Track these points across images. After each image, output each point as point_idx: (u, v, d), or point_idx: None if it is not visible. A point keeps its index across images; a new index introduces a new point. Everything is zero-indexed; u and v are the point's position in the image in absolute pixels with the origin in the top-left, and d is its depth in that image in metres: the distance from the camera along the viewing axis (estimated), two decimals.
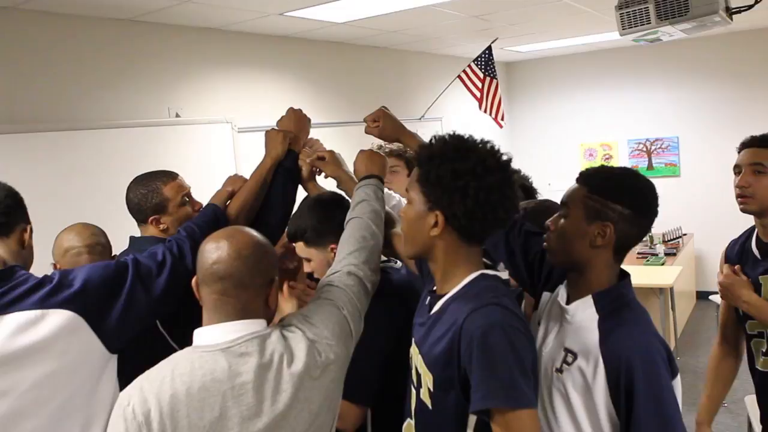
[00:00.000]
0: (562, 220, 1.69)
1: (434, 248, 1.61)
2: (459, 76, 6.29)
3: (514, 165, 1.69)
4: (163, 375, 1.43)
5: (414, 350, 1.70)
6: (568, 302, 1.72)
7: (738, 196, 2.31)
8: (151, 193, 2.33)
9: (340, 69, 5.81)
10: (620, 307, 1.66)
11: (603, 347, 1.58)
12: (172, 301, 1.93)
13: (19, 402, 1.64)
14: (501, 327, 1.45)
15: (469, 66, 6.25)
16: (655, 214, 1.68)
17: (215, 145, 4.39)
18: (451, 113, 7.12)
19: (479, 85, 6.24)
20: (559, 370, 1.65)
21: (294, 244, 2.18)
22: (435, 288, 1.71)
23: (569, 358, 1.64)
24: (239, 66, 4.82)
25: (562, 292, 1.79)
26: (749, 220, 2.38)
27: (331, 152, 2.33)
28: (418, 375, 1.66)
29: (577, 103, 8.21)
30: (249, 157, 4.58)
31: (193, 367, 1.42)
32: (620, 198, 1.63)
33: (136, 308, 1.81)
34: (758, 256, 2.32)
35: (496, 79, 6.27)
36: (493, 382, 1.43)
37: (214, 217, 2.13)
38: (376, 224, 1.92)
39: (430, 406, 1.61)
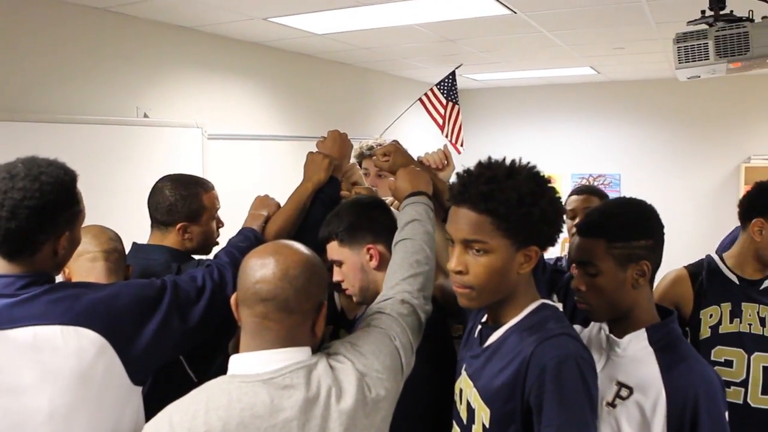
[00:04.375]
0: (594, 278, 1.66)
1: (517, 285, 1.52)
2: (420, 99, 6.26)
3: None
4: (196, 408, 1.24)
5: (466, 384, 1.58)
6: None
7: None
8: (190, 197, 2.15)
9: (306, 82, 5.66)
10: (674, 341, 1.65)
11: (666, 381, 1.55)
12: (205, 333, 1.73)
13: None
14: (575, 359, 1.39)
15: (431, 90, 6.23)
16: (663, 226, 1.72)
17: (184, 149, 4.14)
18: (407, 135, 7.06)
19: (441, 110, 6.21)
20: (612, 405, 1.60)
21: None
22: (485, 319, 1.62)
23: (623, 393, 1.60)
24: (212, 70, 4.59)
25: (603, 325, 1.76)
26: (686, 257, 2.49)
27: (395, 143, 2.14)
28: (470, 410, 1.55)
29: (526, 134, 8.32)
30: (217, 165, 4.37)
31: (230, 400, 1.24)
32: (641, 234, 1.65)
33: (168, 337, 1.61)
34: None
35: (458, 104, 6.27)
36: (567, 417, 1.37)
37: (256, 243, 1.91)
38: (429, 247, 1.75)
39: None
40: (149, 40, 4.07)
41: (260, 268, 1.31)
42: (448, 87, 6.18)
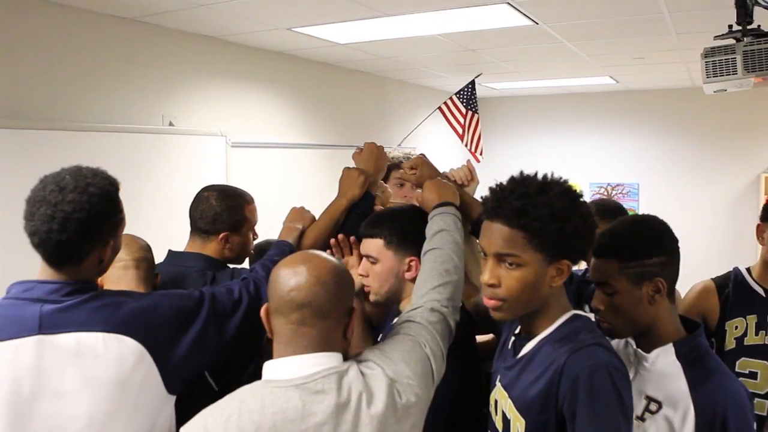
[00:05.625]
0: (612, 298, 1.68)
1: (549, 297, 1.54)
2: (440, 108, 6.29)
3: None
4: (230, 412, 1.27)
5: (501, 395, 1.60)
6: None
7: None
8: (235, 208, 2.23)
9: (328, 91, 5.71)
10: (702, 356, 1.66)
11: (694, 396, 1.56)
12: (239, 344, 1.76)
13: None
14: (607, 368, 1.40)
15: (451, 99, 6.26)
16: (677, 240, 1.72)
17: (208, 157, 4.19)
18: (427, 144, 7.10)
19: (460, 119, 6.24)
20: (641, 418, 1.62)
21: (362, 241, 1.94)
22: (519, 330, 1.64)
23: (653, 407, 1.62)
24: (236, 79, 4.65)
25: (629, 339, 1.77)
26: (705, 267, 2.47)
27: (422, 156, 2.15)
28: (506, 421, 1.56)
29: (544, 143, 8.34)
30: (241, 173, 4.42)
31: (263, 404, 1.27)
32: (653, 252, 1.66)
33: (205, 348, 1.65)
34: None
35: (478, 113, 6.29)
36: (599, 426, 1.37)
37: None
38: (458, 257, 1.77)
39: None
40: (175, 50, 4.13)
41: (293, 276, 1.35)
42: (468, 96, 6.21)
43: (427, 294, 1.67)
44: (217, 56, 4.47)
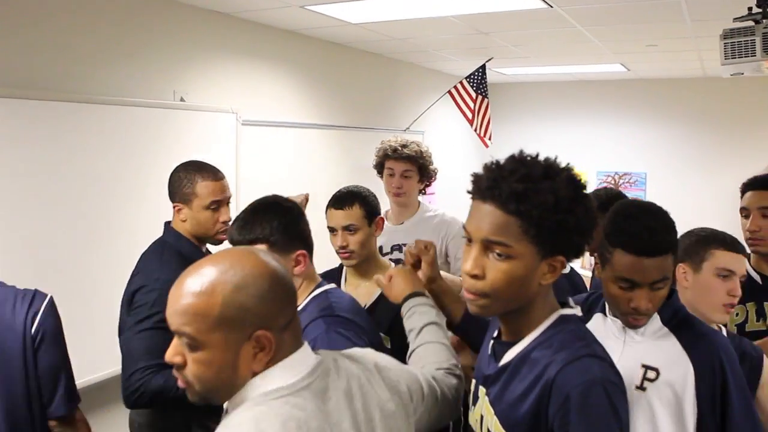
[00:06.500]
0: (661, 291, 1.66)
1: (536, 296, 1.37)
2: (449, 92, 6.27)
3: None
4: None
5: (487, 410, 1.44)
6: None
7: (748, 239, 2.48)
8: (185, 181, 2.40)
9: (338, 72, 5.69)
10: (685, 319, 1.74)
11: (691, 356, 1.64)
12: None
13: None
14: (601, 385, 1.27)
15: (461, 83, 6.23)
16: None
17: (218, 134, 4.19)
18: (434, 128, 7.09)
19: (470, 104, 6.22)
20: (641, 388, 1.66)
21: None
22: (497, 333, 1.50)
23: (650, 375, 1.66)
24: (248, 57, 4.64)
25: (608, 314, 1.81)
26: None
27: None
28: None
29: (552, 130, 8.30)
30: (250, 150, 4.42)
31: (283, 421, 1.14)
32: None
33: None
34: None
35: (488, 98, 6.27)
36: None
37: None
38: (454, 356, 1.76)
39: None
40: (188, 26, 4.12)
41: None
42: (478, 80, 6.18)
43: (425, 367, 1.66)
44: (230, 33, 4.45)
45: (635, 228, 1.62)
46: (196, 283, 1.17)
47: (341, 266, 2.54)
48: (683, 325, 1.70)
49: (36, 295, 1.85)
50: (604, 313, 1.81)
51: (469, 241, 1.36)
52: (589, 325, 1.72)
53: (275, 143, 4.86)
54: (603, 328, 1.78)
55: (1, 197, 2.94)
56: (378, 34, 5.14)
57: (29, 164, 3.06)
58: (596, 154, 8.06)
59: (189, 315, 1.16)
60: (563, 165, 1.36)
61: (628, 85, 7.82)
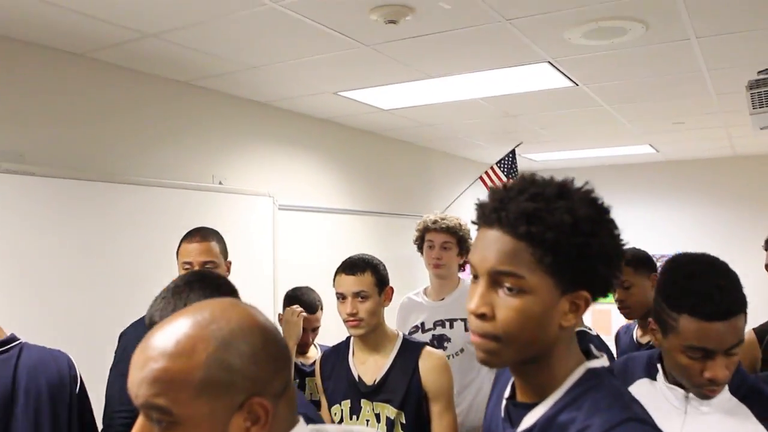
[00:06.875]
0: (734, 356, 1.50)
1: (557, 342, 1.12)
2: (481, 177, 6.36)
3: None
4: None
5: None
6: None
7: None
8: (179, 243, 2.57)
9: (371, 158, 5.86)
10: (753, 386, 1.58)
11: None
12: None
13: None
14: None
15: (492, 168, 6.33)
16: None
17: (256, 217, 4.29)
18: (466, 214, 7.13)
19: None
20: None
21: None
22: (511, 390, 1.24)
23: None
24: (283, 143, 4.82)
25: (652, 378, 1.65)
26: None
27: None
28: None
29: None
30: (287, 234, 4.50)
31: None
32: None
33: None
34: None
35: None
36: None
37: None
38: None
39: None
40: (226, 113, 4.31)
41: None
42: (509, 165, 6.27)
43: None
44: (267, 121, 4.64)
45: (703, 288, 1.44)
46: (169, 342, 0.92)
47: (348, 339, 2.47)
48: (753, 394, 1.51)
49: (68, 357, 1.91)
50: (652, 377, 1.64)
51: (475, 277, 1.14)
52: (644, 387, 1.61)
53: (310, 227, 4.96)
54: (653, 395, 1.59)
55: (44, 275, 3.03)
56: (409, 120, 5.30)
57: (74, 243, 3.17)
58: (628, 238, 7.97)
59: (161, 383, 0.90)
60: (581, 185, 1.16)
61: (658, 168, 7.88)
